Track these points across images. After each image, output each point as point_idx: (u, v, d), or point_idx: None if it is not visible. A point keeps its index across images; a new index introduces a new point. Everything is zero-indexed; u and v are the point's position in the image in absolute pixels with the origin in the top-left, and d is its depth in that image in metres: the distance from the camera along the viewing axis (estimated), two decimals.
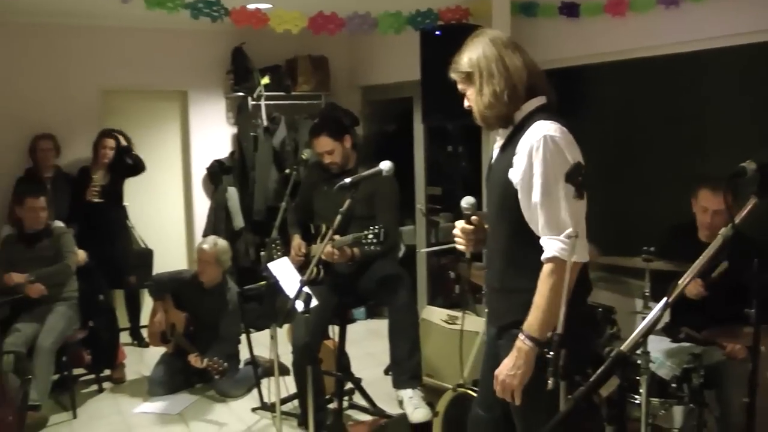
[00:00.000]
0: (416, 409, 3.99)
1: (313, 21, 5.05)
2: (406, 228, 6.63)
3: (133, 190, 6.19)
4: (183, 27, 6.33)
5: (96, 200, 5.77)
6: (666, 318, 3.69)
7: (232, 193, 6.72)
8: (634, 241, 3.51)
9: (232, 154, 6.90)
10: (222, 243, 5.15)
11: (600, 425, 3.30)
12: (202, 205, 6.89)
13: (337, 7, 5.13)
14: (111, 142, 5.83)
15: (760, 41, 3.93)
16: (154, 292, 5.29)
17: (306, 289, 3.14)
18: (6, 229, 5.26)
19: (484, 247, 2.47)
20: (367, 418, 4.51)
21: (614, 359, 1.64)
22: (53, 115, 6.07)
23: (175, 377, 5.11)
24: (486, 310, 2.49)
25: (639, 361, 3.02)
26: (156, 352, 5.35)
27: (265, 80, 6.68)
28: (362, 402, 4.60)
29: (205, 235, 6.49)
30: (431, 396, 4.17)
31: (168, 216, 6.83)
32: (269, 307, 4.02)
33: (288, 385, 4.27)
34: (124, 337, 5.93)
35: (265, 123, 6.76)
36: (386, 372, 5.07)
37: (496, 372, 2.22)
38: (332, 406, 4.31)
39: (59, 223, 5.08)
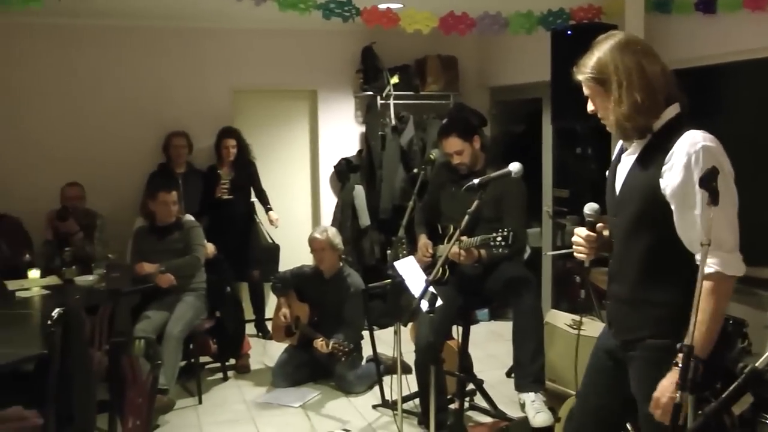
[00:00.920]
0: (538, 413, 3.92)
1: (443, 21, 5.07)
2: (532, 230, 6.54)
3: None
4: (314, 27, 6.48)
5: (225, 197, 6.03)
6: None
7: (359, 191, 6.82)
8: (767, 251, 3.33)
9: (359, 152, 7.03)
10: (331, 229, 5.26)
11: None
12: (329, 202, 7.05)
13: (467, 7, 5.12)
14: (231, 141, 6.07)
15: None
16: (278, 290, 5.38)
17: (431, 288, 3.18)
18: (139, 221, 5.42)
19: (606, 255, 2.39)
20: (487, 420, 4.50)
21: (748, 376, 1.58)
22: (187, 113, 6.37)
23: (298, 370, 5.23)
24: (608, 320, 2.43)
25: None
26: (279, 346, 5.49)
27: (395, 79, 6.77)
28: (483, 404, 4.58)
29: None
30: (553, 401, 4.11)
31: (295, 213, 6.99)
32: (393, 305, 4.08)
33: (409, 383, 4.29)
34: (249, 329, 6.05)
35: (394, 122, 6.84)
36: (508, 374, 5.05)
37: (656, 394, 2.08)
38: (453, 406, 4.30)
39: (189, 217, 5.27)
